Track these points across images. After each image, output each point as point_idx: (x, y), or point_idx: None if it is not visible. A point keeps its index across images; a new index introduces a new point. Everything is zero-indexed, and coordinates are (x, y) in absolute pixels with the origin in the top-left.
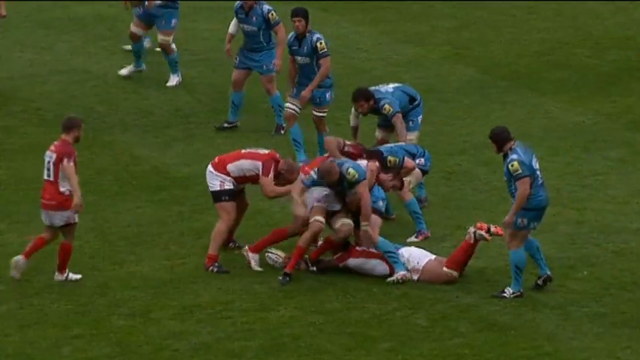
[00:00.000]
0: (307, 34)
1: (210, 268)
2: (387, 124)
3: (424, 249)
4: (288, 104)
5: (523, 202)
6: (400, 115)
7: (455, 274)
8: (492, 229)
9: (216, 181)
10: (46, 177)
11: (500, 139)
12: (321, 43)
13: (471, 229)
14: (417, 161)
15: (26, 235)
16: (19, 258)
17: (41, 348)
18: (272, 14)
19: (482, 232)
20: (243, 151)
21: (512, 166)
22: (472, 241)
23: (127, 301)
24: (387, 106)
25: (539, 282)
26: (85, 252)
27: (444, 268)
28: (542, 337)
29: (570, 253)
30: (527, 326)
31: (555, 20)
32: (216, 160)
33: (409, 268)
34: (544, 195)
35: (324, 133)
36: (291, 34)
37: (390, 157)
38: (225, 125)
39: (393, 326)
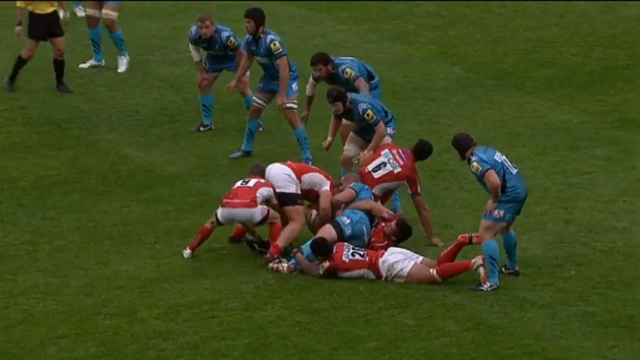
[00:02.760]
0: (262, 35)
1: (276, 259)
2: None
3: (409, 249)
4: (255, 98)
5: (498, 191)
6: (362, 78)
7: (439, 280)
8: (474, 239)
9: (292, 184)
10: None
11: (463, 146)
12: (274, 44)
13: (479, 261)
14: (388, 130)
15: (10, 235)
16: (188, 252)
17: (26, 348)
18: (231, 41)
19: (481, 270)
20: (311, 166)
21: (472, 167)
22: (472, 268)
23: (113, 301)
24: (348, 70)
25: (504, 270)
26: (70, 251)
27: (431, 270)
28: (529, 336)
29: (558, 252)
30: (514, 325)
31: (542, 18)
32: (294, 165)
33: (393, 274)
34: (521, 187)
35: (300, 128)
36: (248, 35)
37: (369, 111)
38: (202, 129)
39: (380, 325)
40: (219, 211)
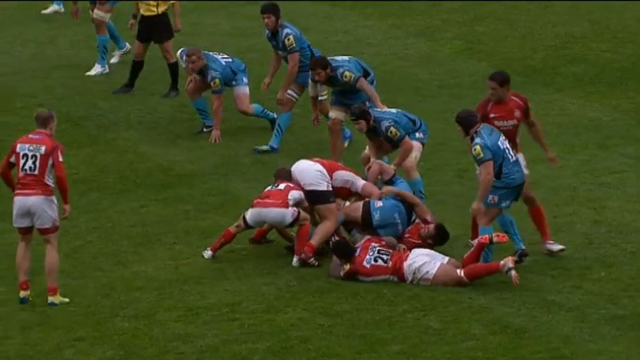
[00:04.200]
0: (279, 29)
1: (311, 258)
2: (341, 102)
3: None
4: (290, 91)
5: (487, 187)
6: (363, 78)
7: (467, 281)
8: (495, 238)
9: (323, 182)
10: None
11: (466, 122)
12: (289, 39)
13: (509, 264)
14: (417, 135)
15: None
16: (209, 253)
17: (43, 351)
18: (215, 82)
19: (513, 273)
20: (340, 164)
21: (474, 150)
22: (503, 270)
23: (131, 303)
24: (347, 73)
25: (516, 258)
26: (87, 252)
27: (458, 271)
28: (558, 339)
29: (587, 254)
30: (542, 328)
31: (571, 14)
32: (325, 162)
33: (419, 277)
34: (518, 173)
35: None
36: (267, 30)
37: (392, 129)
38: (204, 130)
39: (404, 328)
40: (249, 213)
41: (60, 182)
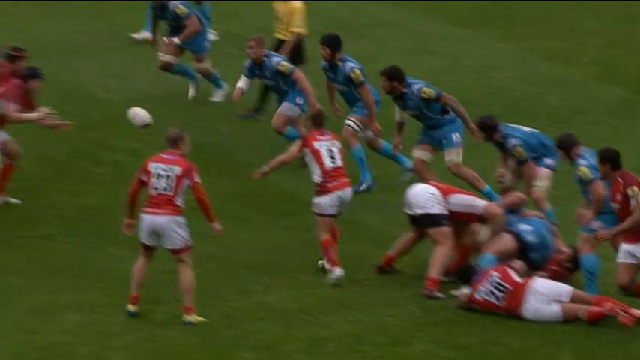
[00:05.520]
0: (340, 63)
1: (434, 292)
2: (428, 138)
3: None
4: (348, 121)
5: (600, 205)
6: (444, 93)
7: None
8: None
9: (436, 205)
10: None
11: (566, 146)
12: (354, 73)
13: (612, 311)
14: (546, 161)
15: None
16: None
17: None
18: (281, 65)
19: (621, 318)
20: (457, 188)
21: (580, 172)
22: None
23: (254, 333)
24: (425, 89)
25: None
26: (208, 280)
27: (579, 313)
28: None
29: None
30: None
31: None
32: (441, 186)
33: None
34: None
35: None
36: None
37: (518, 148)
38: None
39: None
40: (323, 201)
41: (201, 203)
